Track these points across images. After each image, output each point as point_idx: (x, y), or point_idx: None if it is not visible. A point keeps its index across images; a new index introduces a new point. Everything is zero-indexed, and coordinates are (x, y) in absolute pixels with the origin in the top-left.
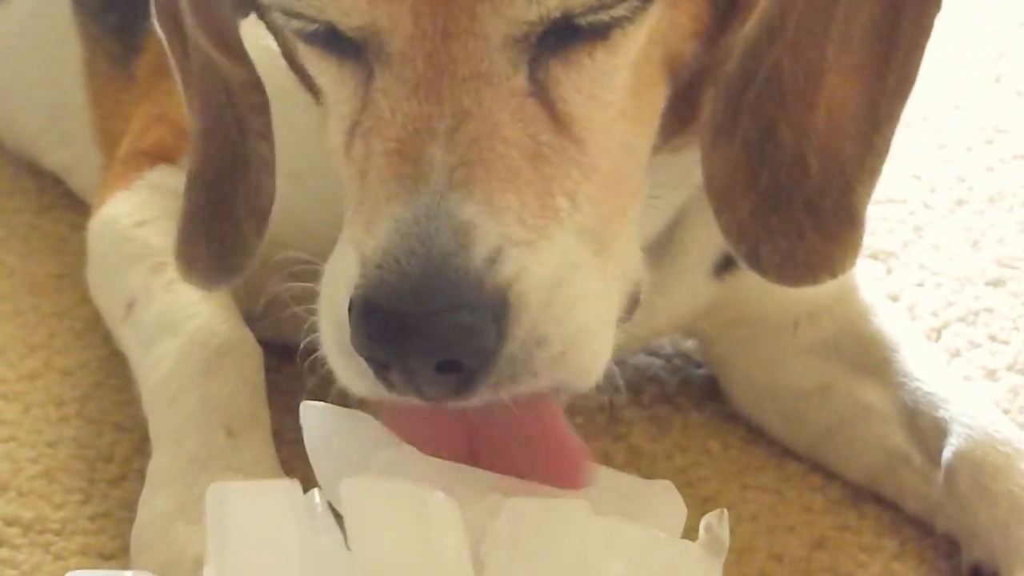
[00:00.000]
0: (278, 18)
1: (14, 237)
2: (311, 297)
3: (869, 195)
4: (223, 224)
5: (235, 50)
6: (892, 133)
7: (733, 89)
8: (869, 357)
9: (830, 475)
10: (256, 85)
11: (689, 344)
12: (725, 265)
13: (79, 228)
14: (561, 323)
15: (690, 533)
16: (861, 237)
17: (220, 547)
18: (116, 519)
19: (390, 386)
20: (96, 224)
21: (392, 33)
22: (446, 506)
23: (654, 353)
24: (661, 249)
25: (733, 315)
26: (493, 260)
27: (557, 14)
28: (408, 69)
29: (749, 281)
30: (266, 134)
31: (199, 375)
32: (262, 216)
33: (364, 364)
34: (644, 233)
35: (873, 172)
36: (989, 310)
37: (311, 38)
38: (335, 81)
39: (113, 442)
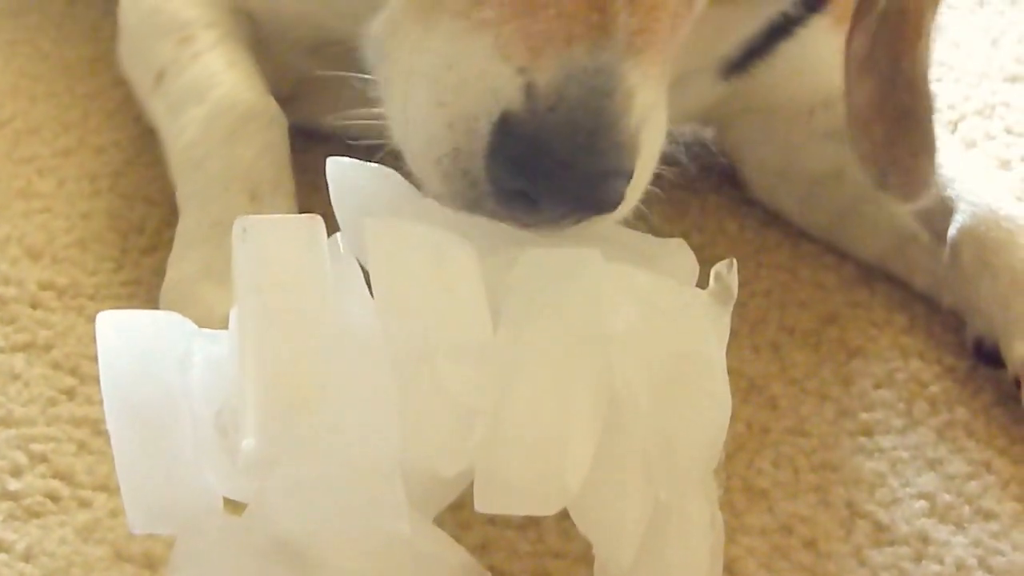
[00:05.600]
0: None
1: (48, 23)
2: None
3: None
4: None
5: None
6: None
7: (875, 26)
8: None
9: (843, 256)
10: None
11: (708, 133)
12: (732, 69)
13: (111, 15)
14: (646, 168)
15: None
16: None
17: (244, 279)
18: (147, 285)
19: (489, 207)
20: None
21: None
22: (465, 252)
23: (673, 140)
24: None
25: (746, 105)
26: (640, 127)
27: None
28: None
29: (759, 79)
30: None
31: (223, 140)
32: None
33: (475, 182)
34: None
35: None
36: (1006, 104)
37: None
38: None
39: (144, 215)
